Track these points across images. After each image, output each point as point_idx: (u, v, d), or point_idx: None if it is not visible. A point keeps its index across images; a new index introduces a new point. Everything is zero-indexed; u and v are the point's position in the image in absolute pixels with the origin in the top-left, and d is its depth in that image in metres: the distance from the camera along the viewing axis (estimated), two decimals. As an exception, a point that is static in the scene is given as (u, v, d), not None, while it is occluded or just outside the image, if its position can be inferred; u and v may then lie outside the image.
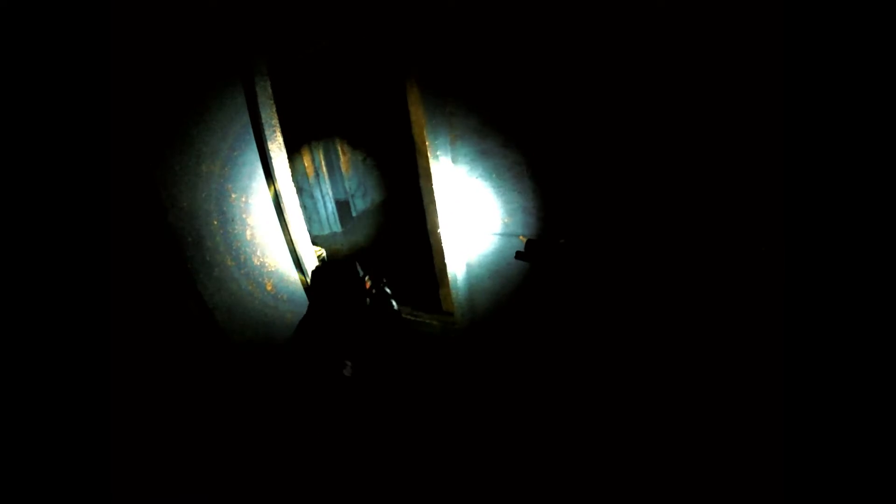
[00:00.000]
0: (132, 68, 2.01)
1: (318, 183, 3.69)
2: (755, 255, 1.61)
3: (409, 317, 2.59)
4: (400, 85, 2.36)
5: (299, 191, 3.73)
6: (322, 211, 3.86)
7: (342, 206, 3.72)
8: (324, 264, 2.33)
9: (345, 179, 3.43)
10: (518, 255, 2.08)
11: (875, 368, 0.96)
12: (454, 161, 2.15)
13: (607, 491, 2.03)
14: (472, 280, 2.37)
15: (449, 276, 2.28)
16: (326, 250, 3.18)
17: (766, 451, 1.76)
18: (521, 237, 2.19)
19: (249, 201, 2.59)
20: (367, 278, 2.22)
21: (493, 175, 2.10)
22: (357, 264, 2.23)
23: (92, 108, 1.83)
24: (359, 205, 3.48)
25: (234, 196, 2.51)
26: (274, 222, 2.72)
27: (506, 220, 2.17)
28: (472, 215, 2.24)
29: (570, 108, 1.81)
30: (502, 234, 2.21)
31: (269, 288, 2.71)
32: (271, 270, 2.72)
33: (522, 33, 1.78)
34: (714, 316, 1.82)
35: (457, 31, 1.91)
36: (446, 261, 2.24)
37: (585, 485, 2.06)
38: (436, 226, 2.27)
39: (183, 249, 2.32)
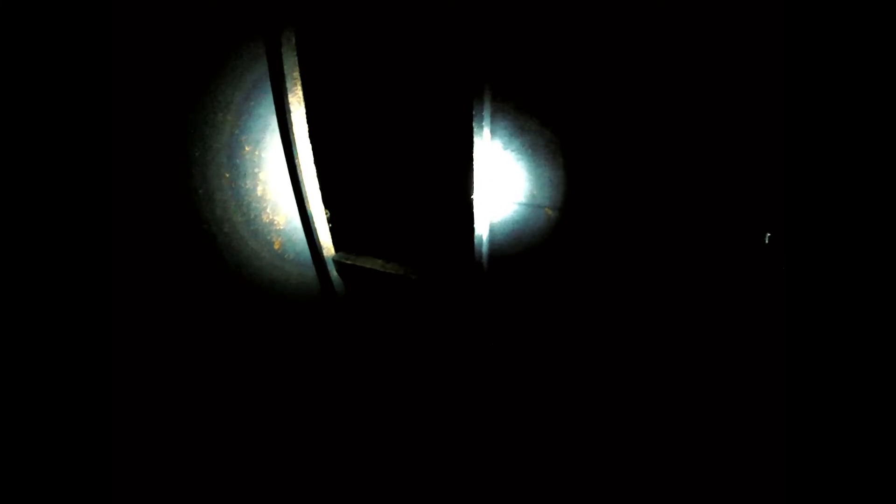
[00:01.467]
0: (150, 18, 1.85)
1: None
2: (760, 248, 1.79)
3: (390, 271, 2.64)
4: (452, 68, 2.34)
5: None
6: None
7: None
8: None
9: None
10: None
11: (876, 368, 0.96)
12: (492, 135, 2.21)
13: (607, 490, 2.02)
14: (493, 243, 2.48)
15: (475, 237, 2.37)
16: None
17: (768, 451, 1.79)
18: (546, 209, 2.31)
19: (262, 155, 2.48)
20: None
21: (528, 151, 2.19)
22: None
23: (101, 50, 1.71)
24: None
25: (247, 149, 2.41)
26: (286, 179, 2.63)
27: (534, 192, 2.28)
28: (502, 185, 2.33)
29: (601, 99, 1.92)
30: (527, 205, 2.32)
31: (276, 247, 2.65)
32: (280, 228, 2.65)
33: (561, 31, 1.85)
34: (717, 314, 1.90)
35: (507, 25, 1.94)
36: (475, 224, 2.32)
37: (586, 482, 2.04)
38: (470, 192, 2.33)
39: (194, 203, 2.22)
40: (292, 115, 2.46)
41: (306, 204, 2.66)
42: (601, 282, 2.28)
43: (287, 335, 2.77)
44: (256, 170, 2.47)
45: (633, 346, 2.30)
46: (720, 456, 1.91)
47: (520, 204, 2.33)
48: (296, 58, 2.40)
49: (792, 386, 1.05)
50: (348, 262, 2.79)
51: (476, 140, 2.16)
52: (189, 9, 2.02)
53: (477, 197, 2.29)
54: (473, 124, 2.13)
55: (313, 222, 2.71)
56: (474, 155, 2.20)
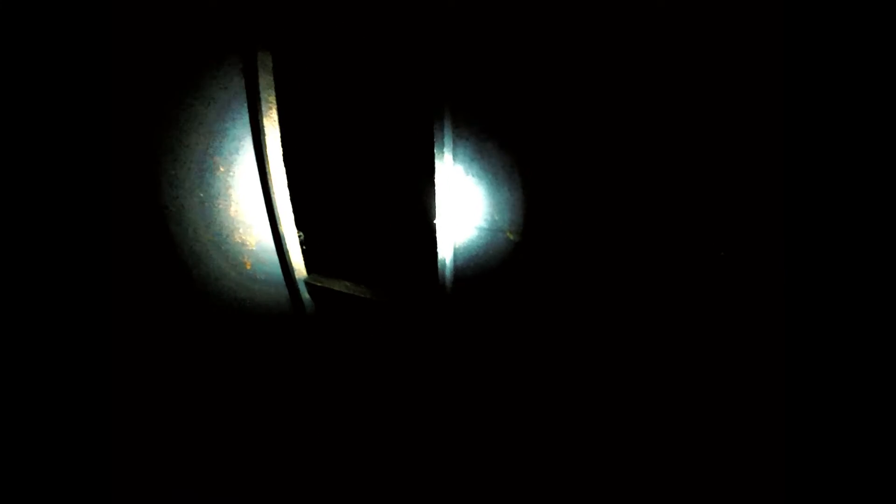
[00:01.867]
0: (126, 31, 1.96)
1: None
2: (728, 270, 1.74)
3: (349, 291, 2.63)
4: (413, 88, 2.41)
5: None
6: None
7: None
8: None
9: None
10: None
11: (876, 369, 0.96)
12: (454, 159, 2.24)
13: (607, 492, 2.02)
14: (457, 263, 2.47)
15: (439, 261, 2.36)
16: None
17: (768, 452, 1.78)
18: (507, 233, 2.30)
19: (236, 176, 2.55)
20: None
21: (489, 175, 2.20)
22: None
23: (84, 64, 1.80)
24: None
25: (221, 169, 2.47)
26: (259, 200, 2.69)
27: (494, 217, 2.27)
28: (463, 210, 2.33)
29: (564, 118, 1.94)
30: (488, 229, 2.32)
31: (247, 266, 2.68)
32: (251, 249, 2.69)
33: (519, 44, 1.89)
34: (714, 316, 1.88)
35: (464, 47, 2.00)
36: (438, 248, 2.32)
37: (584, 486, 2.04)
38: (430, 217, 2.34)
39: (164, 220, 2.27)
40: (266, 136, 2.53)
41: (279, 225, 2.70)
42: (561, 304, 2.24)
43: (257, 351, 2.77)
44: (230, 190, 2.53)
45: (596, 364, 2.23)
46: (721, 457, 1.88)
47: (481, 228, 2.33)
48: (272, 80, 2.49)
49: (792, 388, 1.05)
50: (319, 284, 2.80)
51: (437, 164, 2.19)
52: (164, 30, 2.13)
53: (439, 221, 2.30)
54: (435, 149, 2.16)
55: (285, 244, 2.74)
56: (436, 179, 2.22)
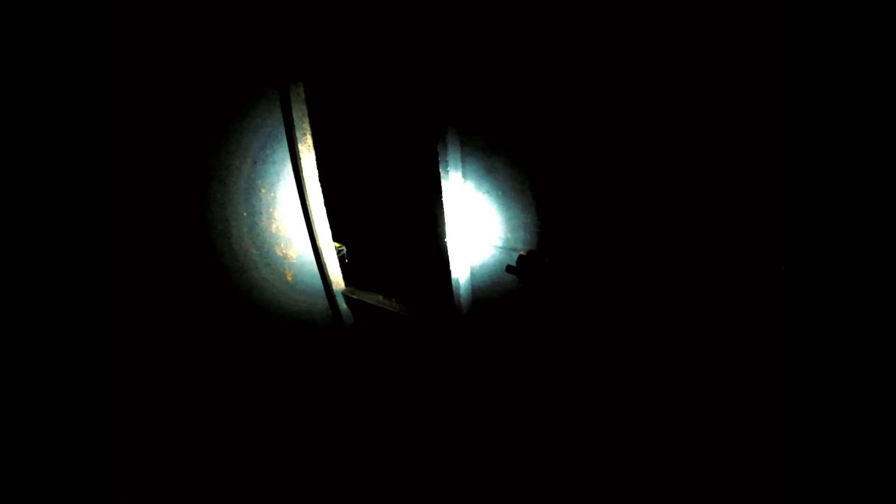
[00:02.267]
0: (178, 71, 2.24)
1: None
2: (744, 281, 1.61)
3: (389, 308, 2.71)
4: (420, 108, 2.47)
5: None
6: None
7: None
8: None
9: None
10: (508, 268, 2.15)
11: (876, 368, 0.96)
12: (464, 177, 2.25)
13: (606, 491, 2.03)
14: (474, 286, 2.47)
15: (452, 280, 2.39)
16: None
17: (768, 451, 1.76)
18: (520, 251, 2.26)
19: (277, 196, 2.79)
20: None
21: (499, 192, 2.18)
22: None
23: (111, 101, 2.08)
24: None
25: (263, 191, 2.72)
26: (299, 217, 2.91)
27: (507, 235, 2.25)
28: (478, 228, 2.34)
29: (570, 134, 1.87)
30: (503, 248, 2.29)
31: (288, 278, 2.91)
32: (292, 262, 2.92)
33: (524, 64, 1.86)
34: (714, 317, 1.82)
35: (468, 65, 2.01)
36: (451, 267, 2.35)
37: (584, 486, 2.07)
38: (444, 235, 2.38)
39: (212, 236, 2.55)
40: (303, 161, 2.73)
41: (317, 241, 2.90)
42: (573, 320, 2.16)
43: (297, 356, 2.99)
44: (271, 209, 2.77)
45: (609, 378, 2.14)
46: (721, 456, 1.86)
47: (496, 247, 2.32)
48: (305, 109, 2.69)
49: (792, 387, 1.05)
50: (354, 296, 2.95)
51: (444, 184, 2.22)
52: (210, 68, 2.40)
53: (450, 240, 2.32)
54: (440, 168, 2.19)
55: (323, 258, 2.93)
56: (443, 199, 2.25)
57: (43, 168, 1.13)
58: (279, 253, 2.85)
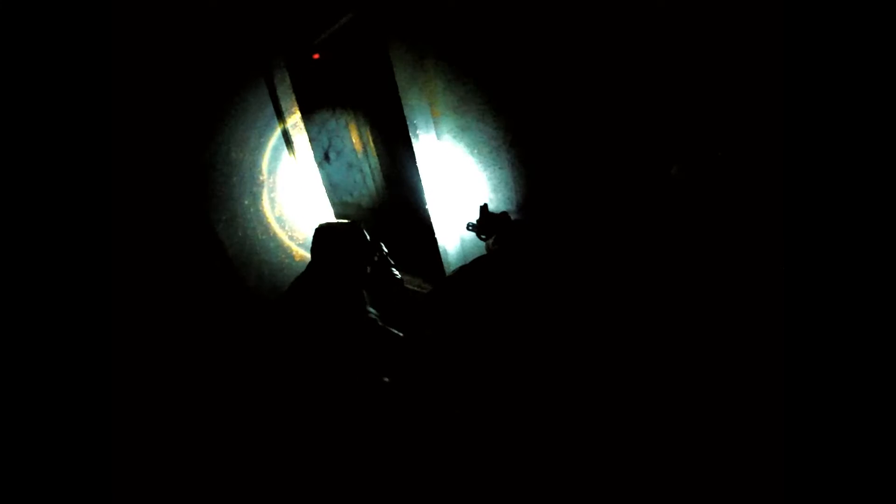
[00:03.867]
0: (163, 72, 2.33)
1: (367, 158, 3.88)
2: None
3: (407, 286, 2.74)
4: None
5: (349, 166, 3.99)
6: (371, 184, 4.06)
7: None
8: (327, 225, 2.10)
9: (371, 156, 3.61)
10: (468, 226, 2.00)
11: (876, 368, 0.96)
12: (438, 136, 2.21)
13: (604, 491, 2.00)
14: (466, 252, 2.44)
15: (439, 248, 2.38)
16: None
17: (767, 450, 1.69)
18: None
19: (276, 180, 2.88)
20: (374, 244, 2.08)
21: (475, 150, 2.12)
22: (364, 230, 2.08)
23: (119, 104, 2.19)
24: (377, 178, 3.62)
25: (262, 177, 2.82)
26: (300, 198, 2.99)
27: (490, 196, 2.20)
28: (461, 190, 2.29)
29: (548, 85, 1.77)
30: (493, 210, 2.25)
31: (297, 258, 3.03)
32: (301, 242, 3.02)
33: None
34: (713, 313, 1.78)
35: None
36: (436, 234, 2.34)
37: (580, 485, 2.04)
38: (424, 201, 2.36)
39: (213, 226, 2.67)
40: (295, 142, 2.79)
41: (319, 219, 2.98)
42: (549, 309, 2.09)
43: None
44: (273, 194, 2.87)
45: (617, 363, 2.08)
46: (719, 455, 1.82)
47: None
48: (291, 92, 2.73)
49: (791, 386, 1.05)
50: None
51: (415, 144, 2.18)
52: (202, 59, 2.48)
53: (431, 208, 2.29)
54: (408, 131, 2.16)
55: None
56: (416, 160, 2.23)
57: (41, 164, 1.14)
58: (286, 235, 2.96)
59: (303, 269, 2.08)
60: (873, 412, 0.96)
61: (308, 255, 3.08)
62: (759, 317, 1.67)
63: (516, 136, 1.96)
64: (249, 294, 2.81)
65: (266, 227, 2.87)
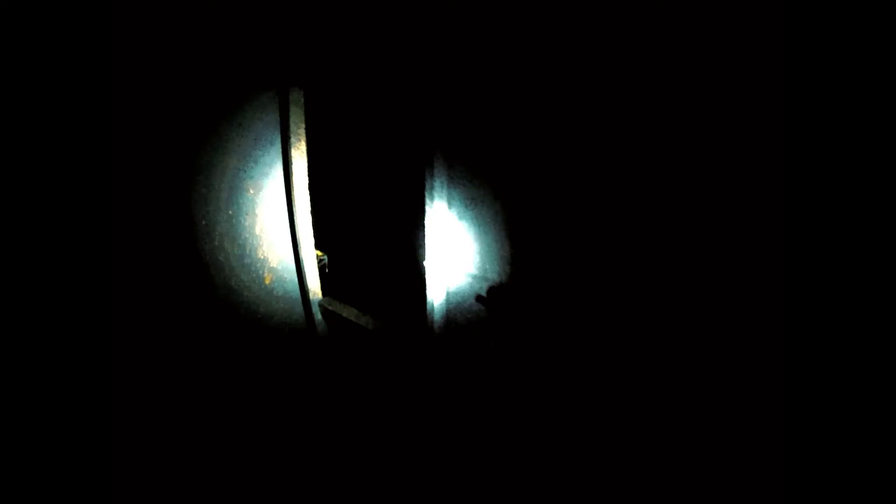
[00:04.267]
0: (174, 62, 2.25)
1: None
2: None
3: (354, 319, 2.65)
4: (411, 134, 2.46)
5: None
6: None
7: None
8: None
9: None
10: (478, 298, 2.11)
11: (876, 368, 0.96)
12: (449, 206, 2.22)
13: (604, 492, 2.01)
14: (448, 308, 2.40)
15: (427, 302, 2.33)
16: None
17: (767, 450, 1.74)
18: (491, 284, 2.21)
19: (264, 198, 2.77)
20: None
21: (479, 223, 2.14)
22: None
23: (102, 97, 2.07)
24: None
25: (251, 191, 2.70)
26: (283, 221, 2.88)
27: (486, 266, 2.19)
28: (456, 255, 2.29)
29: (545, 175, 1.83)
30: (479, 277, 2.24)
31: (266, 281, 2.87)
32: (273, 266, 2.88)
33: (511, 108, 1.83)
34: (712, 316, 1.79)
35: (459, 100, 1.98)
36: (427, 289, 2.30)
37: (582, 487, 2.03)
38: (423, 258, 2.33)
39: (195, 233, 2.53)
40: (294, 165, 2.72)
41: (299, 247, 2.87)
42: (545, 346, 2.10)
43: (269, 362, 2.93)
44: (257, 210, 2.75)
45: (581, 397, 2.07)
46: (720, 455, 1.85)
47: (471, 276, 2.26)
48: (302, 115, 2.69)
49: (791, 386, 1.05)
50: (330, 307, 2.90)
51: (427, 209, 2.18)
52: (211, 63, 2.41)
53: (429, 264, 2.27)
54: (426, 194, 2.16)
55: (303, 266, 2.90)
56: (426, 224, 2.21)
57: (41, 164, 1.15)
58: (260, 255, 2.82)
59: (267, 295, 2.09)
60: (873, 412, 0.97)
61: (275, 282, 2.95)
62: (759, 317, 1.66)
63: (516, 217, 2.00)
64: (215, 306, 2.63)
65: (242, 243, 2.73)
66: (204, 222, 2.56)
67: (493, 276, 2.16)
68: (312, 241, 2.91)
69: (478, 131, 2.01)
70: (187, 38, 2.28)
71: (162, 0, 2.15)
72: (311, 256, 2.92)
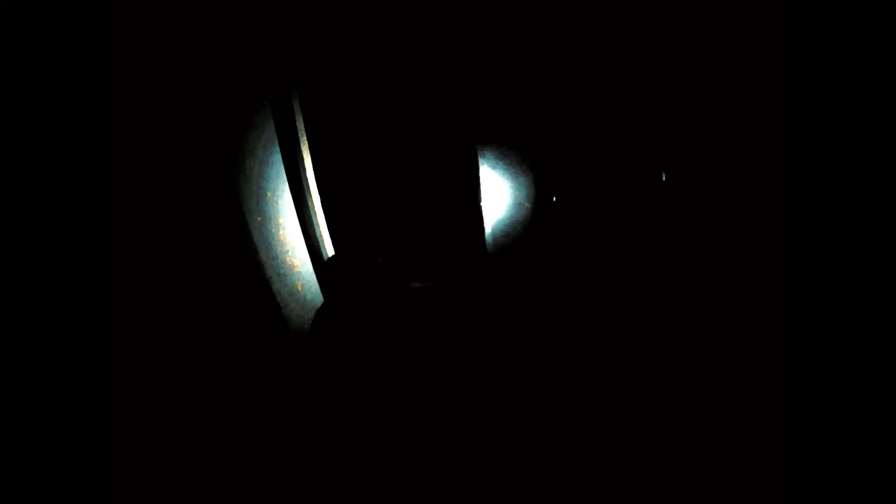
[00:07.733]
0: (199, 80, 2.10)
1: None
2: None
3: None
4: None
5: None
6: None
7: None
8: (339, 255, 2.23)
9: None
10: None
11: (876, 368, 0.94)
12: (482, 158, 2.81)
13: (605, 491, 1.96)
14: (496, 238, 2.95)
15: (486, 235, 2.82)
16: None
17: (768, 450, 1.74)
18: (525, 204, 2.93)
19: (280, 202, 2.63)
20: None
21: (510, 165, 2.83)
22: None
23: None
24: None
25: (269, 195, 2.55)
26: (295, 224, 2.76)
27: (516, 194, 2.89)
28: (499, 191, 2.88)
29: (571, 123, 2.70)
30: (514, 203, 2.91)
31: (298, 288, 2.68)
32: (299, 271, 2.71)
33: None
34: (716, 315, 1.94)
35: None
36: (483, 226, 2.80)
37: (582, 485, 1.98)
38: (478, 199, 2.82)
39: (235, 244, 2.27)
40: (305, 163, 2.71)
41: (323, 247, 2.81)
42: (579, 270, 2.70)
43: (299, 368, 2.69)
44: (279, 216, 2.59)
45: (616, 337, 2.48)
46: (721, 455, 1.87)
47: (509, 205, 2.91)
48: (300, 112, 2.73)
49: (792, 386, 1.04)
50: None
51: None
52: (224, 74, 2.27)
53: (484, 203, 2.80)
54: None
55: (324, 264, 2.84)
56: (480, 175, 2.75)
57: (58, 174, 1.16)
58: (289, 262, 2.63)
59: (300, 303, 2.38)
60: (873, 412, 0.95)
61: (305, 289, 2.74)
62: (759, 317, 1.78)
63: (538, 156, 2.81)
64: (251, 324, 2.33)
65: (273, 252, 2.51)
66: (246, 236, 2.32)
67: (523, 199, 2.88)
68: (330, 240, 2.88)
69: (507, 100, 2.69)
70: (190, 45, 2.15)
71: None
72: (328, 252, 2.88)
